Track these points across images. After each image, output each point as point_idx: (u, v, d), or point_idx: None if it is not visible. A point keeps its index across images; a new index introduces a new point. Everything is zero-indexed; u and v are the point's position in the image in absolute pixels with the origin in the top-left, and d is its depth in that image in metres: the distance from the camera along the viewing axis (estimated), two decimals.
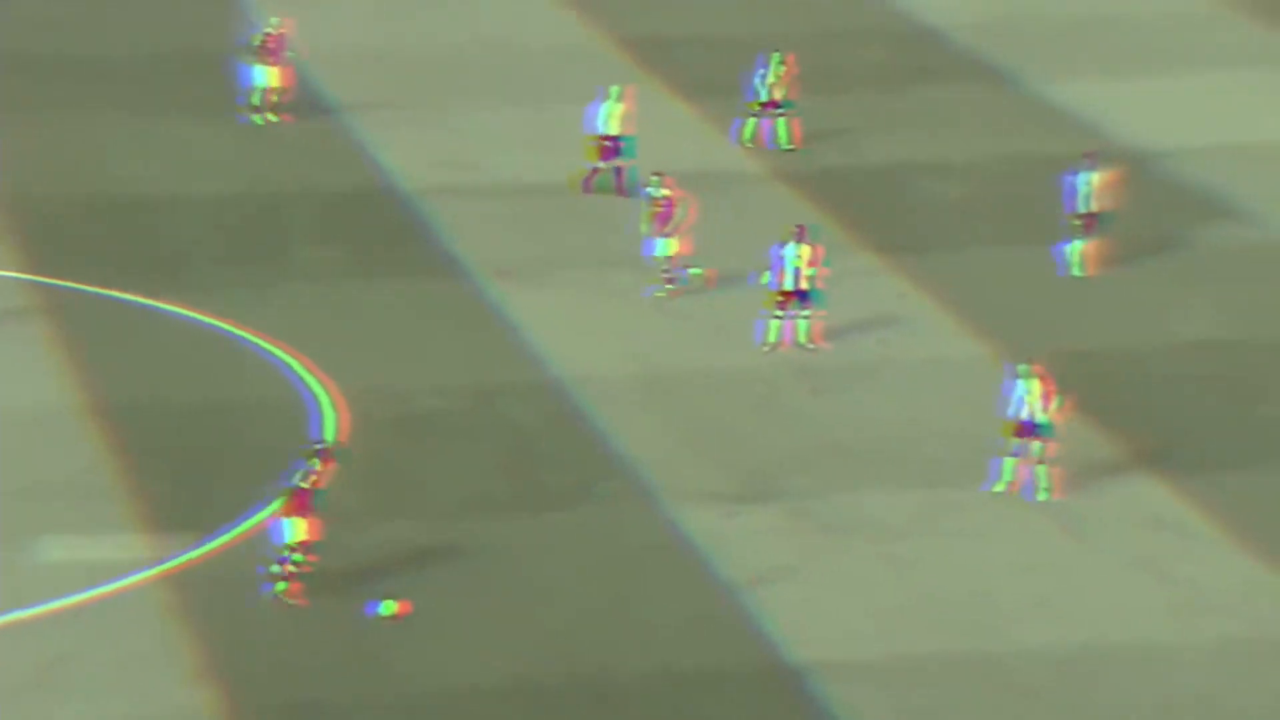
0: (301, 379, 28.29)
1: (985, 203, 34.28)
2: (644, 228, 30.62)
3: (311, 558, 22.67)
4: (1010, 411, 24.42)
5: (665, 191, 30.48)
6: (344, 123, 37.60)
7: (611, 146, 33.51)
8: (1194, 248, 31.24)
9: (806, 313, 28.63)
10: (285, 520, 22.75)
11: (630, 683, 21.65)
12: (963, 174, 35.33)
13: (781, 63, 35.45)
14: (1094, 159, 30.55)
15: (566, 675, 21.82)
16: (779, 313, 28.61)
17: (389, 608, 22.38)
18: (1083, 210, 30.22)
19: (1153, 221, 32.14)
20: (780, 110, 35.55)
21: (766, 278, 28.65)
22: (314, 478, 22.79)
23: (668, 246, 30.37)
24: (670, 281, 30.53)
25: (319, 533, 22.73)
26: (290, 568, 22.67)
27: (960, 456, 26.11)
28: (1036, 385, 24.34)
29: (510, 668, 21.92)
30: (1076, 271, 30.40)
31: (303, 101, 38.10)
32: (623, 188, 33.57)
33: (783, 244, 28.71)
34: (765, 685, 21.61)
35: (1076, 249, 30.48)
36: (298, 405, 27.53)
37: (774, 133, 35.71)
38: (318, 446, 23.18)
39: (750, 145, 35.60)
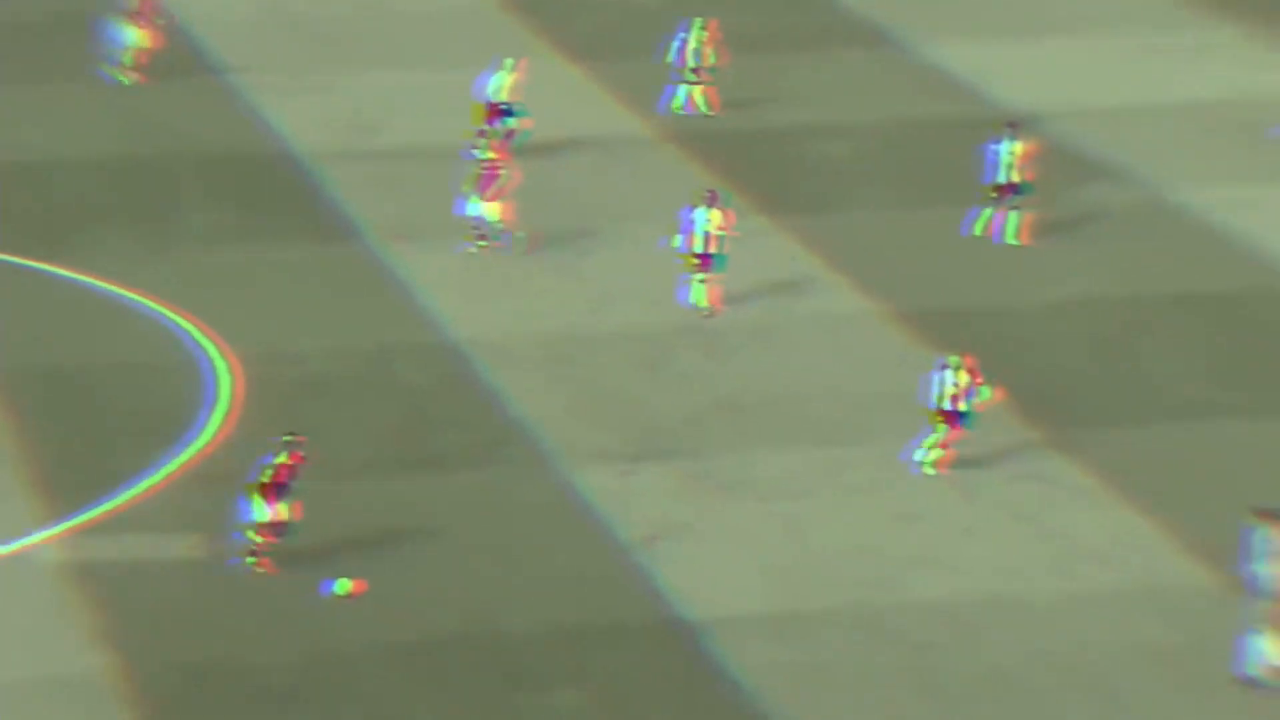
0: (197, 342, 28.29)
1: (873, 165, 34.74)
2: (465, 188, 30.65)
3: (271, 539, 22.56)
4: (933, 401, 24.50)
5: (490, 154, 30.60)
6: (235, 85, 37.47)
7: (500, 113, 33.69)
8: (1072, 207, 31.82)
9: (703, 276, 28.92)
10: (259, 502, 22.58)
11: (528, 639, 21.93)
12: (851, 136, 35.76)
13: (703, 28, 35.69)
14: (1015, 129, 31.01)
15: (465, 632, 22.07)
16: (699, 276, 28.85)
17: (344, 586, 22.40)
18: (1003, 180, 30.66)
19: (1033, 182, 32.71)
20: (697, 78, 35.70)
21: (677, 241, 28.92)
22: (279, 468, 22.59)
23: (483, 208, 30.37)
24: (483, 239, 30.59)
25: (297, 514, 22.60)
26: (255, 538, 22.58)
27: (849, 414, 26.57)
28: (964, 377, 24.46)
29: (409, 625, 22.14)
30: (1011, 240, 30.80)
31: (193, 63, 37.92)
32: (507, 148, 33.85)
33: (693, 207, 29.01)
34: (660, 640, 21.94)
35: (987, 216, 30.91)
36: (193, 369, 27.53)
37: (671, 98, 35.87)
38: (287, 439, 22.94)
39: (707, 112, 35.63)
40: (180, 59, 37.74)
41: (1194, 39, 39.62)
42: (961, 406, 24.43)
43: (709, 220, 28.79)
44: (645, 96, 36.85)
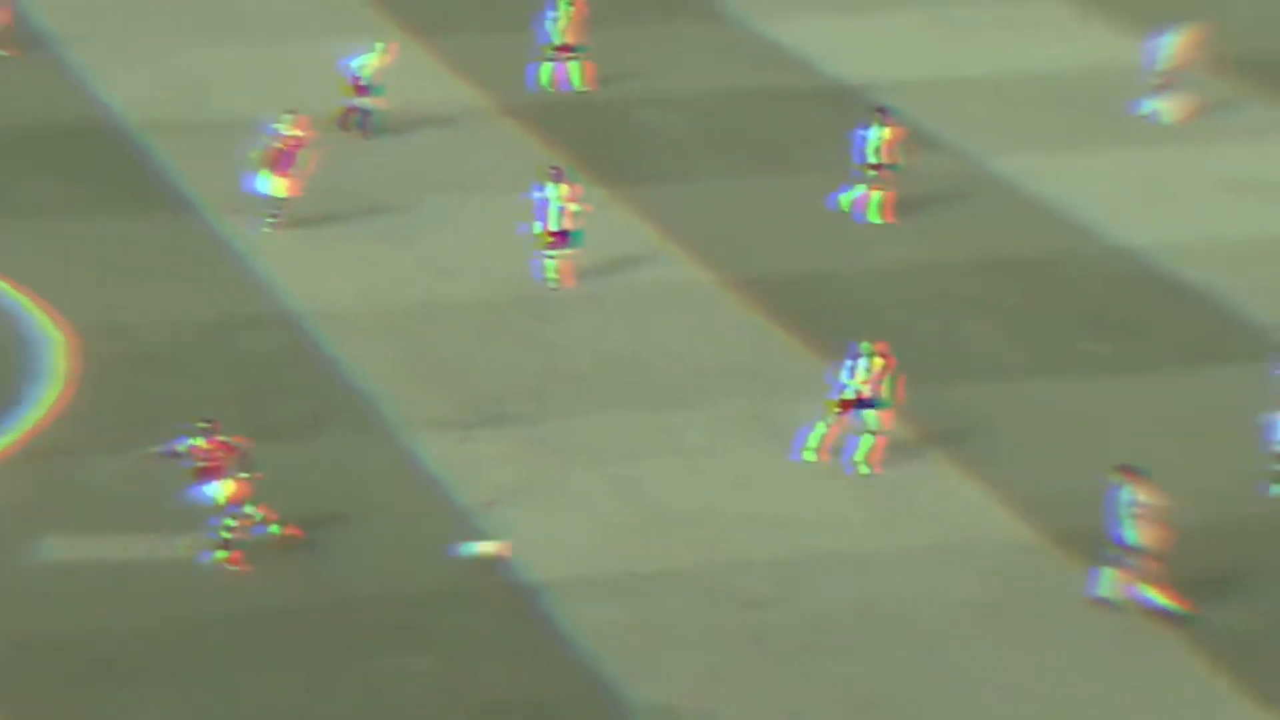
0: (28, 315, 28.10)
1: (708, 136, 35.26)
2: (253, 159, 30.51)
3: (244, 521, 22.38)
4: (836, 389, 24.30)
5: (295, 131, 30.59)
6: (66, 57, 37.10)
7: (362, 91, 33.89)
8: (900, 175, 32.45)
9: (555, 252, 29.20)
10: (209, 485, 22.34)
11: (372, 606, 22.15)
12: (685, 108, 36.26)
13: (570, 4, 36.01)
14: (884, 114, 31.64)
15: (310, 600, 22.24)
16: (552, 252, 29.05)
17: (477, 548, 22.34)
18: (872, 161, 31.29)
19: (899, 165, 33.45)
20: (573, 54, 36.02)
21: (538, 227, 29.07)
22: (194, 452, 22.25)
23: (277, 185, 30.28)
24: (274, 218, 30.52)
25: (245, 493, 22.39)
26: (224, 533, 22.32)
27: (685, 380, 27.06)
28: (877, 364, 24.25)
29: (254, 594, 22.26)
30: (873, 218, 31.21)
31: (23, 35, 37.48)
32: (367, 128, 33.96)
33: (541, 185, 29.29)
34: (502, 604, 22.24)
35: (853, 194, 31.44)
36: (25, 342, 27.35)
37: (567, 75, 36.17)
38: (201, 425, 22.58)
39: (549, 89, 35.97)
40: (8, 31, 37.28)
41: (1008, 12, 40.56)
42: (868, 393, 24.17)
43: (558, 196, 29.16)
44: (483, 70, 37.10)
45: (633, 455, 25.13)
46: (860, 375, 24.27)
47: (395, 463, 24.88)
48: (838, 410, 24.38)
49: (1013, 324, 28.73)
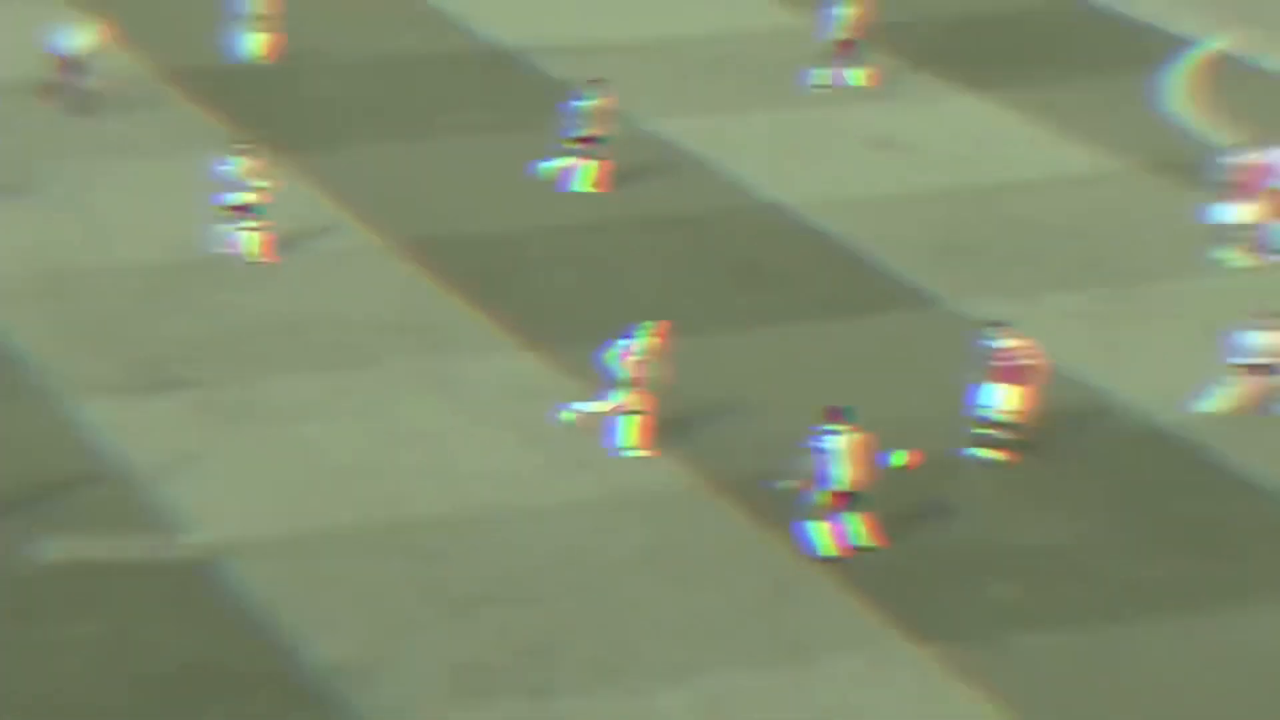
0: None
1: (374, 102, 35.46)
2: None
3: None
4: (614, 367, 24.19)
5: None
6: None
7: (75, 67, 33.39)
8: (555, 137, 33.07)
9: (253, 224, 29.15)
10: None
11: (41, 573, 21.97)
12: (351, 74, 36.38)
13: None
14: (596, 85, 32.12)
15: None
16: (242, 224, 28.88)
17: (900, 458, 22.98)
18: (582, 133, 31.76)
19: (521, 115, 34.07)
20: (265, 23, 36.07)
21: (220, 200, 28.82)
22: None
23: None
24: None
25: None
26: None
27: (354, 341, 27.34)
28: (654, 343, 24.16)
29: None
30: (578, 188, 31.54)
31: None
32: (84, 104, 33.46)
33: (224, 159, 29.16)
34: (176, 569, 22.18)
35: (558, 164, 31.88)
36: None
37: (250, 46, 36.09)
38: None
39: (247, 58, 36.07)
40: None
41: None
42: (639, 372, 24.08)
43: (241, 170, 29.17)
44: (155, 39, 36.72)
45: (304, 415, 25.33)
46: (634, 356, 24.23)
47: (61, 429, 24.67)
48: (616, 389, 24.16)
49: (673, 280, 29.67)
